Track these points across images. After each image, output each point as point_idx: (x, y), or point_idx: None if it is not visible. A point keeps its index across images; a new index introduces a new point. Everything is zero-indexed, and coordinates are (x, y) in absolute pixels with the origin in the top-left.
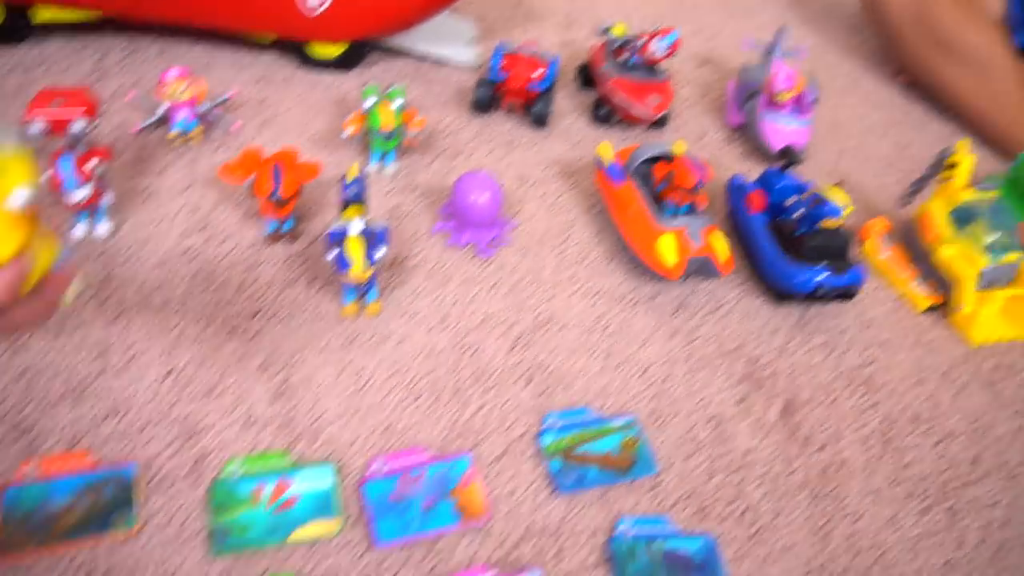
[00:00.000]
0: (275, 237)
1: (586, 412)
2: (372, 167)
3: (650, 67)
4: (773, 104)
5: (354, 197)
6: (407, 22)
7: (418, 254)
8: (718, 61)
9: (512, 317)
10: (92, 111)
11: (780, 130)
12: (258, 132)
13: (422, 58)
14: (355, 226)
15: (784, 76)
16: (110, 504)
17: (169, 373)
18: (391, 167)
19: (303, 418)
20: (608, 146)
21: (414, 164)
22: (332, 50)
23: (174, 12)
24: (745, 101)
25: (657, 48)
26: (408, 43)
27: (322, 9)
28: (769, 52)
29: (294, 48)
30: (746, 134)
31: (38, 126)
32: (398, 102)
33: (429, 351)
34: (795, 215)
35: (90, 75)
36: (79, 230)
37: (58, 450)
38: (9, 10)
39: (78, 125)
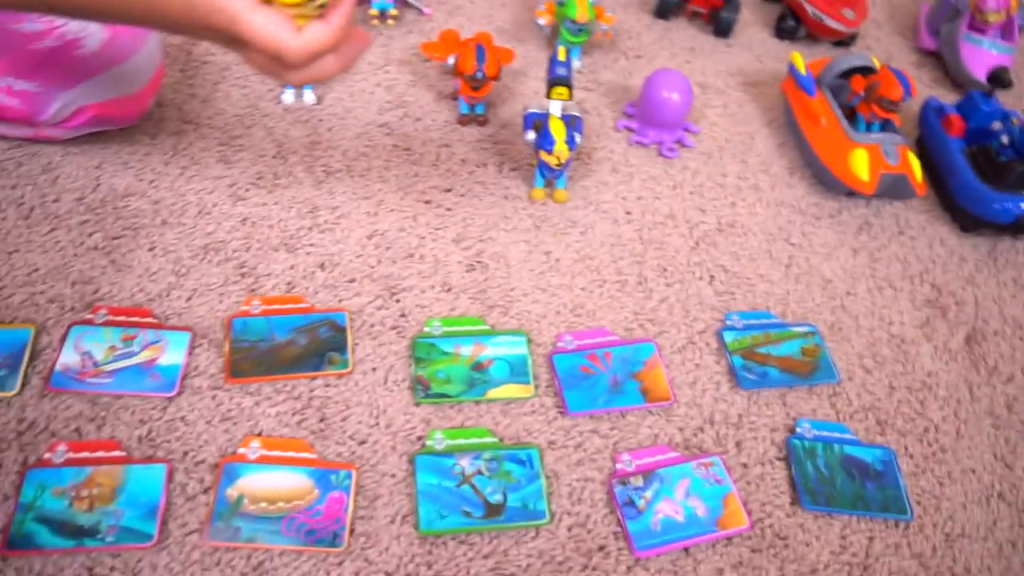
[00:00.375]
0: (467, 119)
1: (770, 316)
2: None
3: None
4: (977, 26)
5: (563, 77)
6: None
7: (602, 148)
8: None
9: (695, 217)
10: None
11: (982, 55)
12: (447, 19)
13: None
14: (556, 107)
15: None
16: (325, 344)
17: (372, 235)
18: (577, 62)
19: (495, 290)
20: (799, 56)
21: (597, 61)
22: None
23: None
24: (942, 23)
25: None
26: None
27: None
28: None
29: None
30: (937, 60)
31: None
32: None
33: (615, 241)
34: (1001, 140)
35: None
36: (288, 96)
37: (276, 292)
38: None
39: None
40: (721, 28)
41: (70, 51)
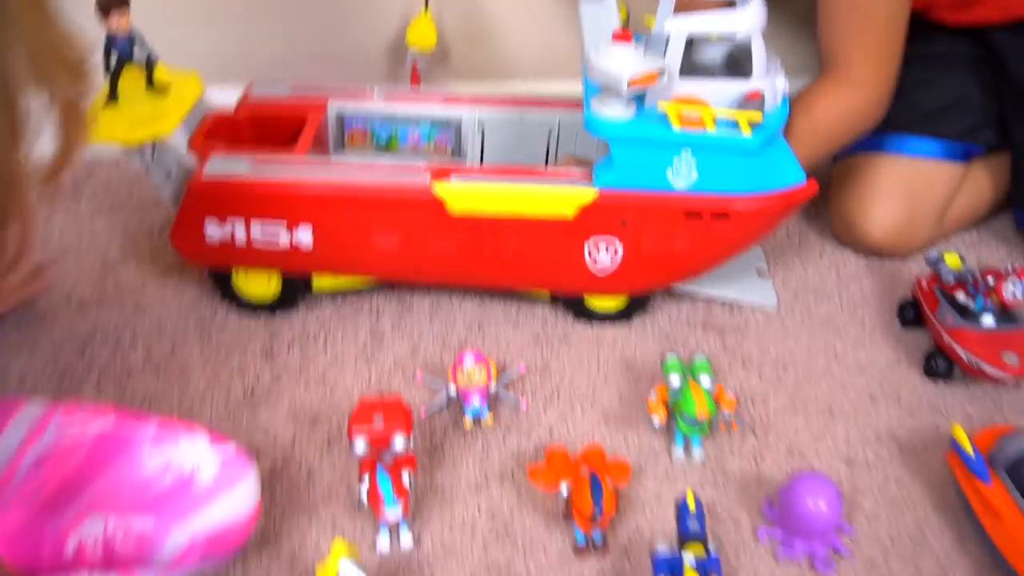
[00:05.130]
0: (584, 550)
1: None
2: (677, 452)
3: (1004, 311)
4: None
5: (696, 534)
6: (699, 273)
7: (744, 567)
8: None
9: None
10: (409, 426)
11: None
12: (544, 409)
13: (709, 300)
14: (689, 557)
15: None
16: None
17: None
18: (698, 452)
19: None
20: (962, 431)
21: (722, 446)
22: (614, 303)
23: (456, 278)
24: None
25: (1016, 290)
26: (693, 285)
27: (609, 270)
28: None
29: (570, 302)
30: None
31: (362, 446)
32: (706, 380)
33: None
34: None
35: (367, 344)
36: (383, 542)
37: None
38: (286, 281)
39: (400, 443)
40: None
41: (188, 484)
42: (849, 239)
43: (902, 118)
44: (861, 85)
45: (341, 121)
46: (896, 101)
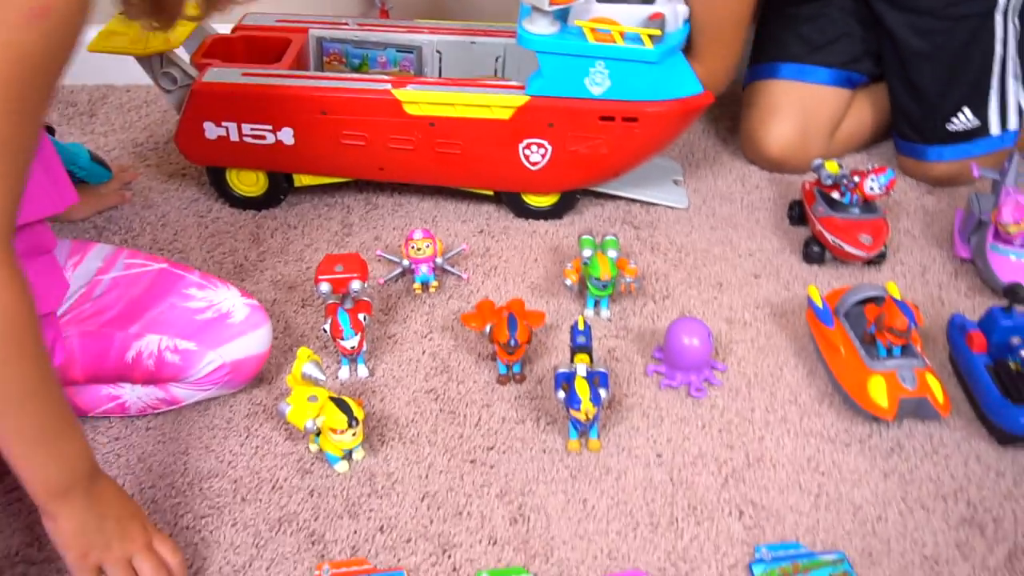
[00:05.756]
0: (505, 378)
1: (798, 547)
2: (588, 312)
3: (866, 203)
4: (1001, 236)
5: (583, 346)
6: (617, 172)
7: (633, 394)
8: (947, 188)
9: (724, 455)
10: (365, 274)
11: (1008, 264)
12: (483, 281)
13: (630, 201)
14: (582, 369)
15: (1014, 206)
16: None
17: (424, 497)
18: (605, 312)
19: (537, 540)
20: (816, 289)
21: (626, 308)
22: (546, 200)
23: (413, 175)
24: (972, 232)
25: (873, 185)
26: (616, 188)
27: (540, 166)
28: (1000, 180)
29: (511, 199)
30: (973, 268)
31: (325, 287)
32: (612, 252)
33: (647, 484)
34: (1021, 355)
35: (338, 232)
36: (344, 372)
37: (342, 557)
38: (272, 178)
39: (355, 285)
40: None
41: (223, 320)
42: (753, 154)
43: (797, 49)
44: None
45: (320, 46)
46: (791, 34)
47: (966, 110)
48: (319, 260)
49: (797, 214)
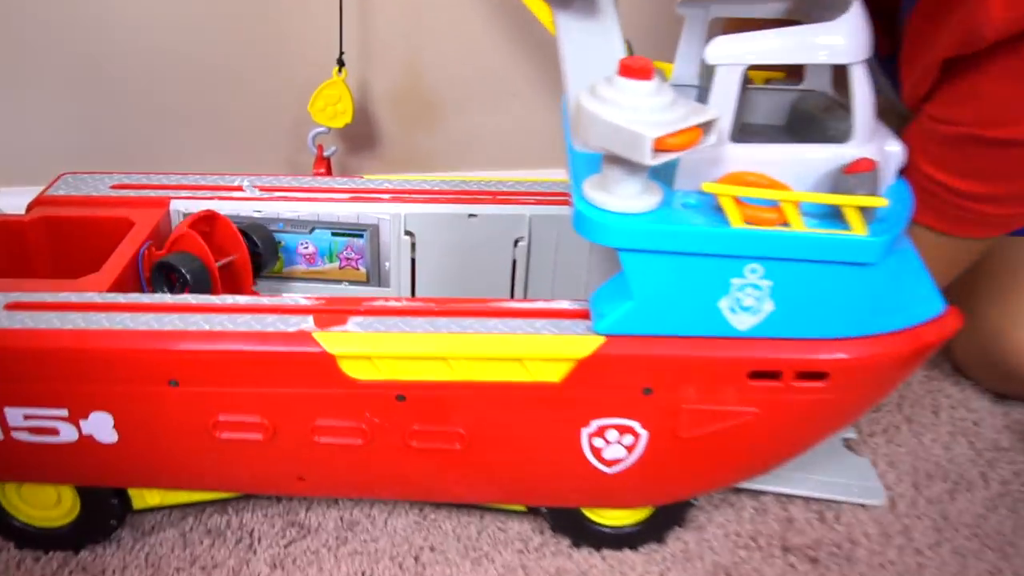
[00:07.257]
0: None
1: None
2: None
3: None
4: None
5: None
6: (772, 465)
7: None
8: None
9: None
10: None
11: None
12: None
13: (785, 498)
14: None
15: None
16: None
17: None
18: None
19: None
20: None
21: None
22: (631, 516)
23: (366, 487)
24: None
25: None
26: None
27: (623, 465)
28: None
29: (562, 517)
30: None
31: None
32: None
33: None
34: None
35: None
36: None
37: None
38: (87, 497)
39: None
40: None
41: None
42: (988, 373)
43: None
44: None
45: None
46: None
47: None
48: None
49: None
